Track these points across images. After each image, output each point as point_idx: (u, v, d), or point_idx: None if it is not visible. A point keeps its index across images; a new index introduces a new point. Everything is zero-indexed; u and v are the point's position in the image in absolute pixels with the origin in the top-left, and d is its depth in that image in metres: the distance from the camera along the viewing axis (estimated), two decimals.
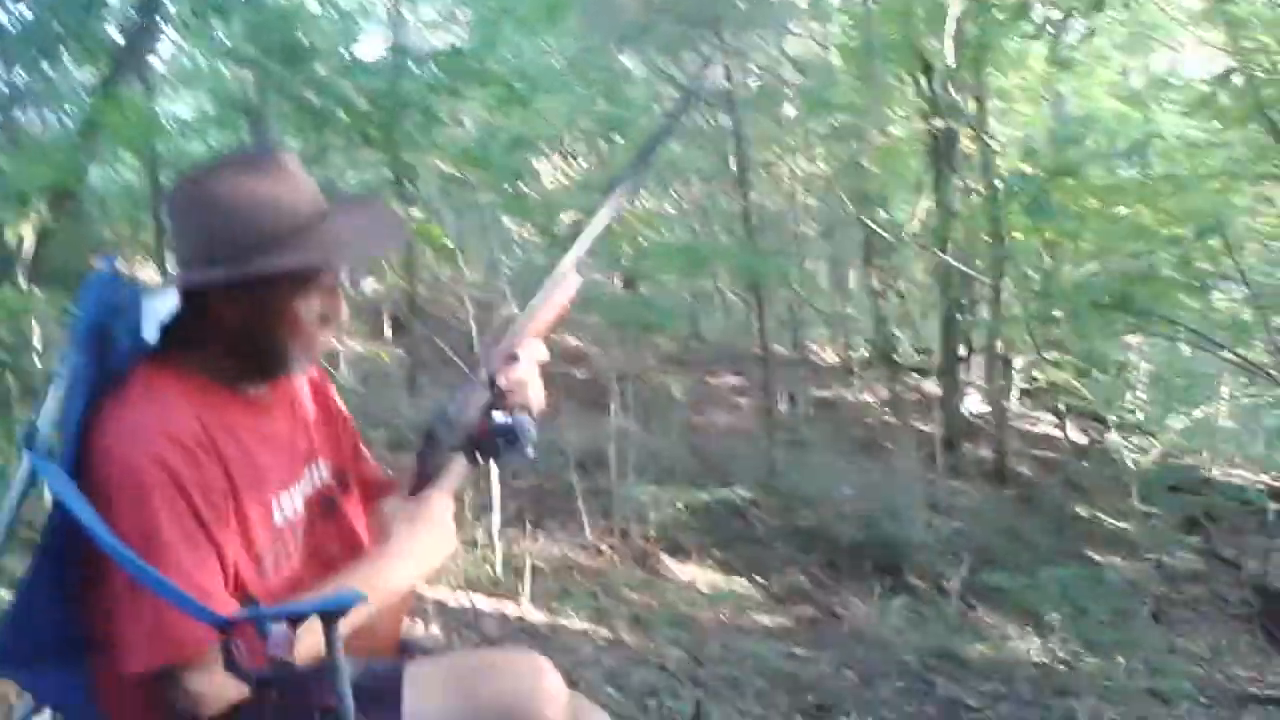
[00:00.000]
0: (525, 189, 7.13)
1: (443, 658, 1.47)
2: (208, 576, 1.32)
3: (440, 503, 1.50)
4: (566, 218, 6.70)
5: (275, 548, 1.47)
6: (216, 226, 1.38)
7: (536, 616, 4.36)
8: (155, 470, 1.31)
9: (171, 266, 8.34)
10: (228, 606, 1.29)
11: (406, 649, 1.64)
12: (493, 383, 1.56)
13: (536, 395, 1.60)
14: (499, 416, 1.55)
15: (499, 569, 4.80)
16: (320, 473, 1.60)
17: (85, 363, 1.39)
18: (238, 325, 1.43)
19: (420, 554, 1.48)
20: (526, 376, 1.58)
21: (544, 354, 1.62)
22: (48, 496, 1.40)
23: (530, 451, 1.56)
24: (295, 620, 1.19)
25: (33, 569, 1.42)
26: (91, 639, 1.43)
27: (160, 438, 1.33)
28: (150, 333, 1.48)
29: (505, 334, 1.59)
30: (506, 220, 10.58)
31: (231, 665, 1.18)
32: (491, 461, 1.58)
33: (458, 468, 1.54)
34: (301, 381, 1.63)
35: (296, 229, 1.39)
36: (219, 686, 1.24)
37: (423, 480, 1.53)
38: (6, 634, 1.42)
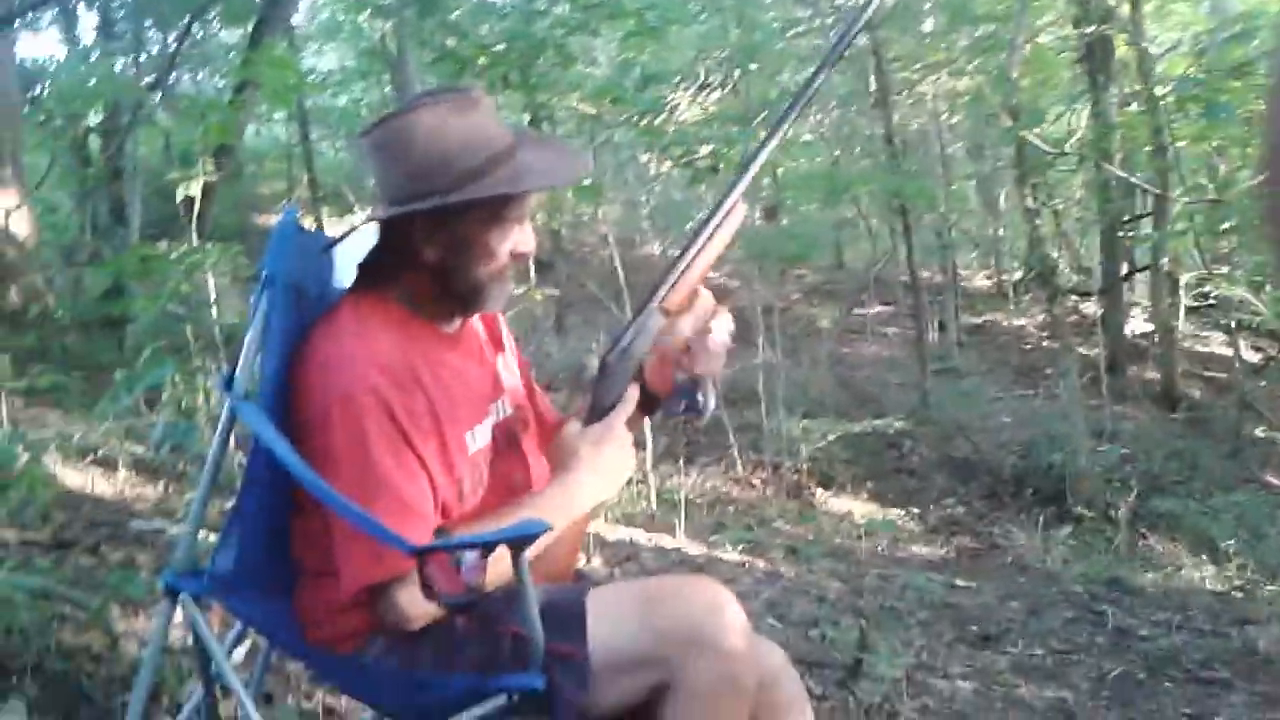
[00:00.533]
0: (661, 123, 7.06)
1: (624, 584, 1.49)
2: (418, 496, 1.40)
3: (620, 426, 1.53)
4: (705, 149, 6.62)
5: (472, 475, 1.53)
6: (414, 162, 1.43)
7: (693, 550, 4.39)
8: (368, 398, 1.38)
9: (330, 218, 8.61)
10: (431, 526, 1.36)
11: (581, 578, 1.67)
12: (666, 313, 1.55)
13: (721, 364, 1.62)
14: (681, 377, 1.59)
15: (654, 504, 4.84)
16: (504, 407, 1.65)
17: (277, 309, 1.46)
18: (436, 259, 1.48)
19: (605, 473, 1.52)
20: (717, 347, 1.59)
21: (732, 325, 1.63)
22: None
23: (708, 413, 1.61)
24: (486, 548, 1.22)
25: (239, 502, 1.50)
26: (298, 566, 1.50)
27: (371, 367, 1.40)
28: (346, 275, 1.57)
29: (676, 266, 1.58)
30: (643, 157, 10.56)
31: (427, 589, 1.22)
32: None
33: (632, 395, 1.56)
34: (482, 322, 1.69)
35: (490, 161, 1.43)
36: (425, 604, 1.30)
37: (597, 409, 1.55)
38: (217, 563, 1.50)
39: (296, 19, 9.79)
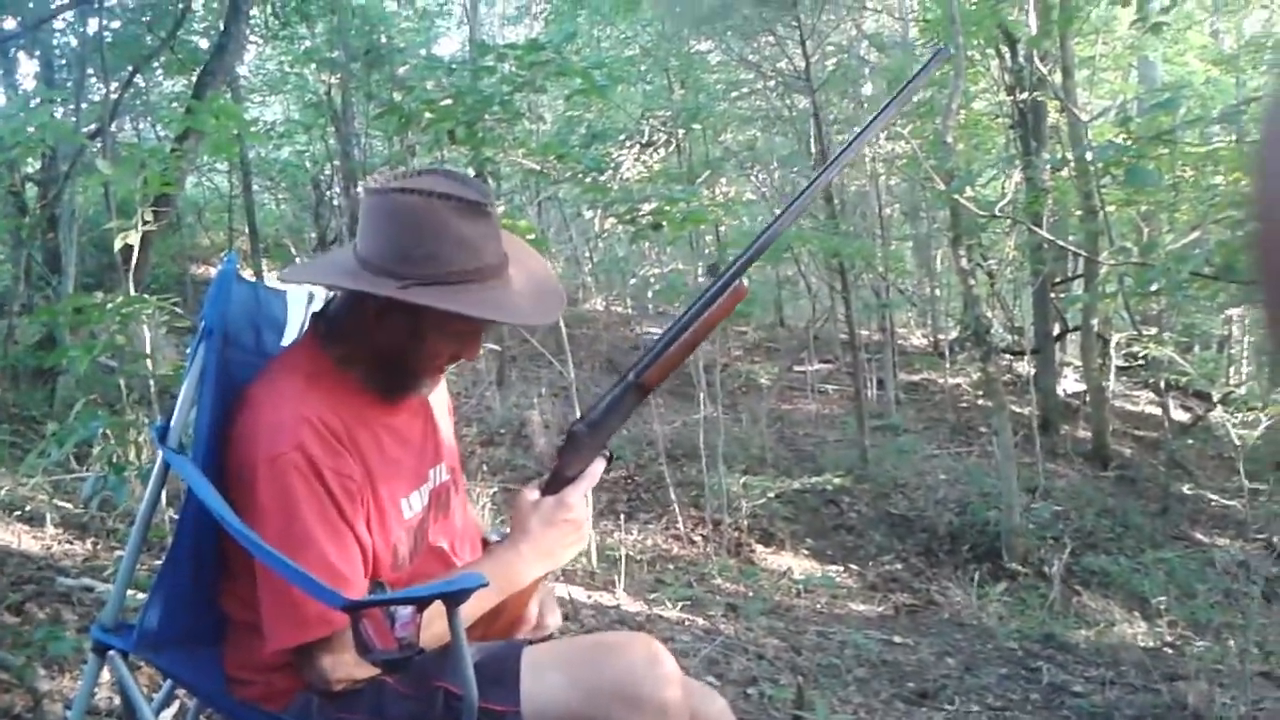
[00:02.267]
0: (605, 180, 7.13)
1: (559, 641, 1.48)
2: (344, 559, 1.38)
3: (578, 503, 1.52)
4: (647, 207, 6.69)
5: (408, 541, 1.52)
6: (404, 244, 1.42)
7: (633, 607, 4.37)
8: (296, 454, 1.37)
9: (270, 270, 8.52)
10: (361, 589, 1.35)
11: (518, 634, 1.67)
12: (642, 389, 1.54)
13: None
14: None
15: (594, 560, 4.82)
16: (440, 472, 1.65)
17: (213, 361, 1.45)
18: (385, 337, 1.48)
19: (551, 552, 1.51)
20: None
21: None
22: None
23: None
24: (422, 603, 1.22)
25: (169, 557, 1.48)
26: (228, 622, 1.49)
27: (302, 426, 1.39)
28: (294, 326, 1.58)
29: (659, 341, 1.55)
30: (587, 213, 10.64)
31: (360, 646, 1.21)
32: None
33: (596, 470, 1.54)
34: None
35: (475, 274, 1.43)
36: (350, 666, 1.31)
37: (557, 479, 1.54)
38: (146, 619, 1.48)
39: (241, 70, 9.77)
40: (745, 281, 1.52)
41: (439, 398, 1.71)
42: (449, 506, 1.65)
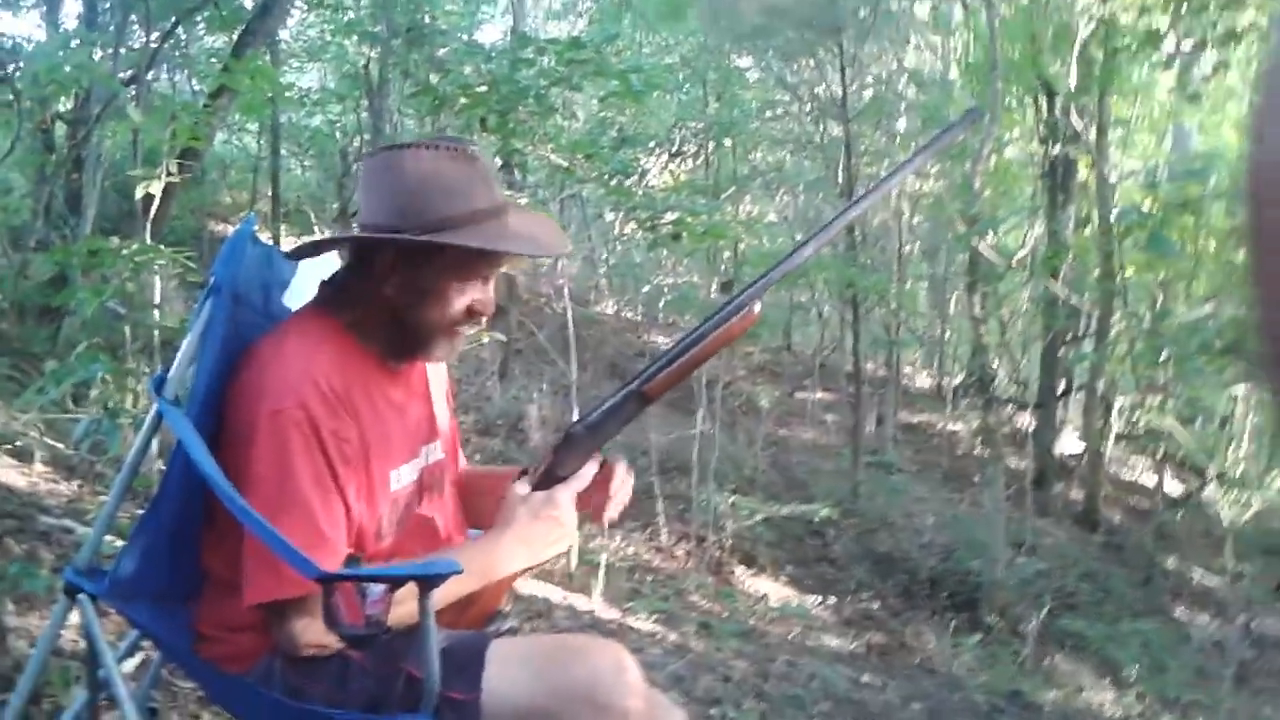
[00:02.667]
0: (630, 185, 7.14)
1: (527, 638, 1.48)
2: (330, 521, 1.39)
3: (567, 502, 1.52)
4: (669, 216, 6.69)
5: (391, 513, 1.53)
6: (404, 195, 1.45)
7: (607, 614, 4.37)
8: (298, 413, 1.38)
9: (288, 235, 8.54)
10: (342, 555, 1.36)
11: (490, 626, 1.67)
12: (644, 398, 1.54)
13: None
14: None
15: (573, 563, 4.82)
16: (435, 451, 1.65)
17: (219, 318, 1.46)
18: (394, 295, 1.49)
19: (533, 544, 1.51)
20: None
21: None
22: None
23: None
24: (394, 582, 1.22)
25: (151, 508, 1.48)
26: (205, 577, 1.49)
27: (305, 385, 1.40)
28: (306, 290, 1.58)
29: (667, 353, 1.56)
30: (608, 216, 10.65)
31: (330, 618, 1.22)
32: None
33: (588, 473, 1.55)
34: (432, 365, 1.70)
35: (472, 215, 1.45)
36: (321, 632, 1.30)
37: (550, 477, 1.54)
38: (121, 567, 1.48)
39: (282, 33, 9.79)
40: (757, 306, 1.53)
41: (438, 380, 1.72)
42: (442, 486, 1.65)
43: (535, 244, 1.55)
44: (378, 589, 1.22)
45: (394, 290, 1.49)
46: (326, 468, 1.40)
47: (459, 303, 1.51)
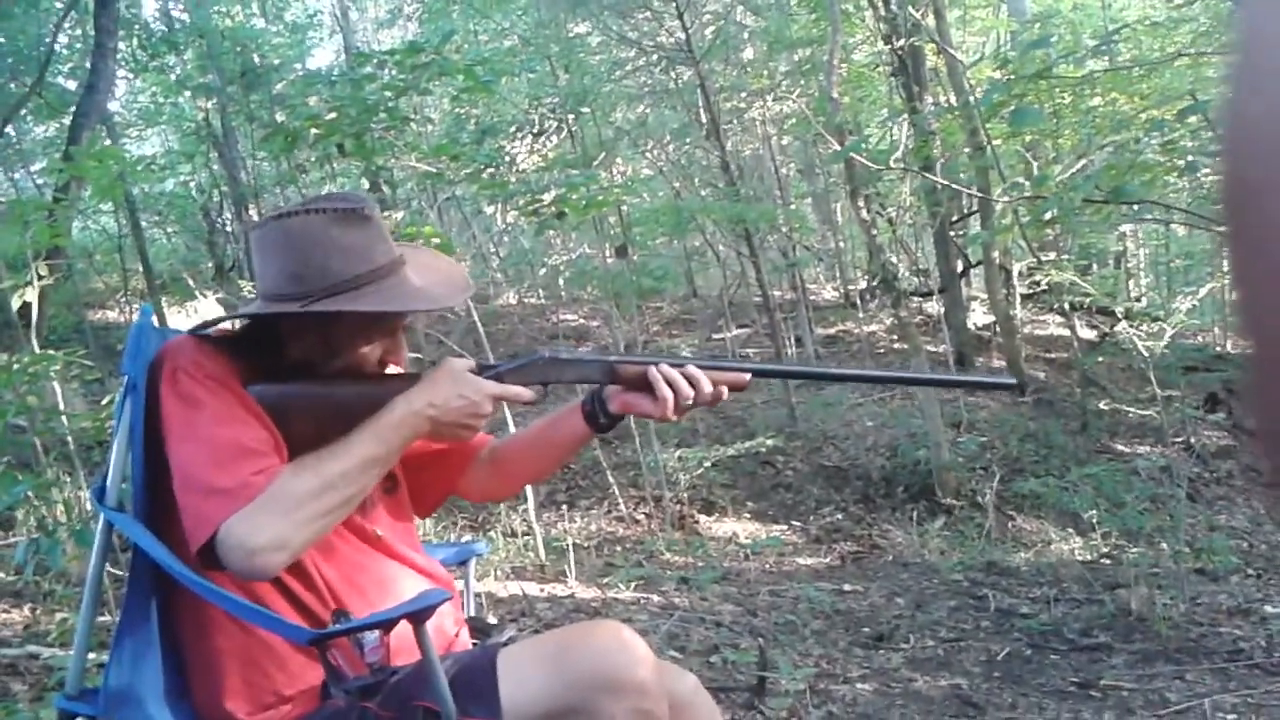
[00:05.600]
0: (502, 174, 7.10)
1: (531, 640, 1.49)
2: (256, 439, 1.39)
3: (488, 393, 1.53)
4: (548, 196, 6.68)
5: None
6: (291, 265, 1.45)
7: (587, 594, 4.40)
8: (191, 367, 1.42)
9: (170, 306, 8.32)
10: (275, 466, 1.37)
11: (486, 637, 1.68)
12: (612, 373, 1.59)
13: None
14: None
15: (542, 554, 4.83)
16: None
17: (139, 413, 1.44)
18: (301, 357, 1.51)
19: (444, 410, 1.50)
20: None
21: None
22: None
23: None
24: (386, 625, 1.22)
25: (125, 614, 1.47)
26: (196, 667, 1.47)
27: (195, 348, 1.46)
28: None
29: (660, 358, 1.61)
30: (488, 209, 10.58)
31: (332, 675, 1.22)
32: None
33: (522, 394, 1.58)
34: None
35: (369, 275, 1.47)
36: (266, 526, 1.31)
37: (494, 375, 1.58)
38: (110, 680, 1.47)
39: (113, 105, 9.50)
40: (748, 376, 1.62)
41: None
42: (374, 500, 1.64)
43: (435, 296, 1.56)
44: (373, 636, 1.22)
45: (302, 353, 1.51)
46: (235, 400, 1.41)
47: (371, 358, 1.55)
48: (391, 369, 1.61)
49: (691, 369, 1.57)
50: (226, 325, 1.58)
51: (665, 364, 1.58)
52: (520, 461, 1.79)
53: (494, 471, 1.79)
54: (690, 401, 1.57)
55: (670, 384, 1.56)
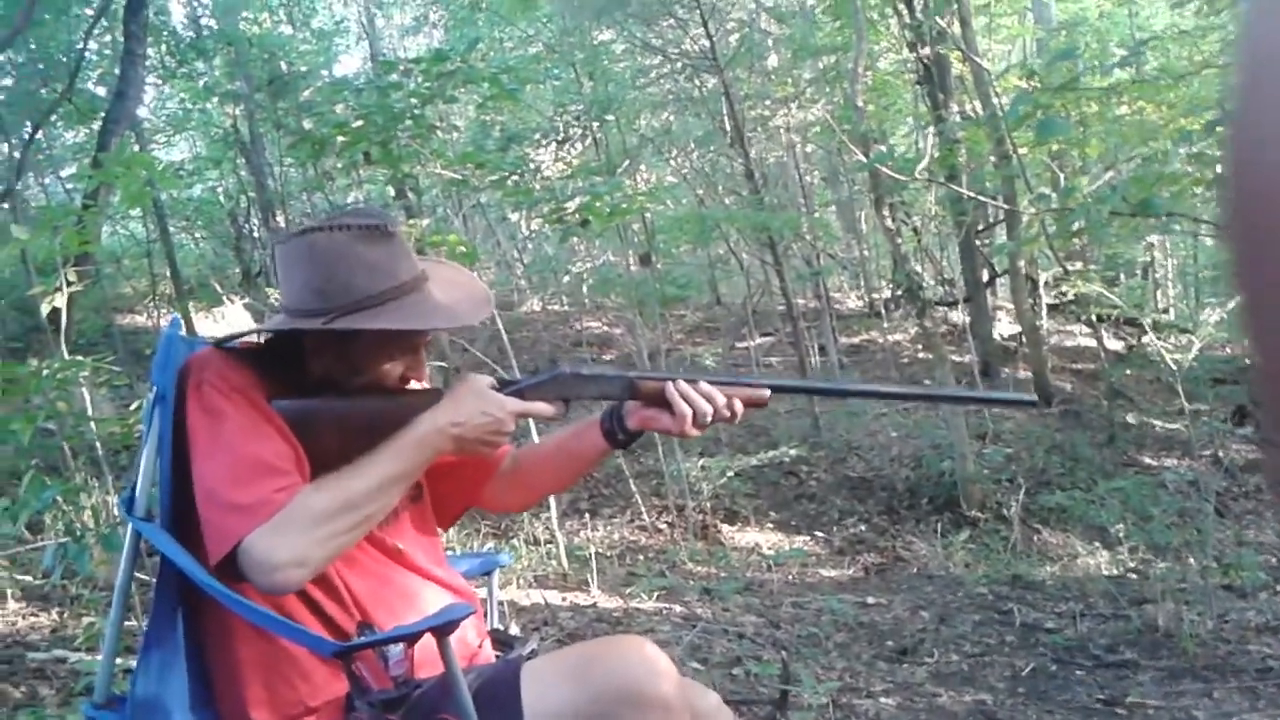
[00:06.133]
0: (527, 182, 7.12)
1: (555, 653, 1.49)
2: (277, 454, 1.40)
3: (511, 414, 1.54)
4: (573, 204, 6.69)
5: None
6: (315, 281, 1.47)
7: (609, 604, 4.39)
8: (218, 380, 1.43)
9: (197, 312, 8.39)
10: (296, 483, 1.38)
11: (509, 649, 1.68)
12: (632, 389, 1.60)
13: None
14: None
15: (565, 562, 4.83)
16: None
17: (168, 424, 1.45)
18: (322, 373, 1.53)
19: (466, 426, 1.50)
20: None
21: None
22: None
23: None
24: (411, 639, 1.23)
25: (152, 623, 1.48)
26: (219, 677, 1.48)
27: (224, 362, 1.48)
28: None
29: (679, 373, 1.62)
30: (512, 216, 10.61)
31: (357, 689, 1.22)
32: None
33: (544, 410, 1.58)
34: None
35: (392, 292, 1.48)
36: (287, 542, 1.32)
37: (515, 391, 1.59)
38: (137, 688, 1.48)
39: (142, 112, 9.59)
40: (767, 393, 1.62)
41: None
42: (398, 512, 1.64)
43: (457, 313, 1.57)
44: (398, 649, 1.23)
45: (324, 368, 1.52)
46: (259, 414, 1.42)
47: (393, 374, 1.55)
48: (413, 384, 1.61)
49: (706, 386, 1.58)
50: (252, 339, 1.60)
51: (683, 380, 1.58)
52: (540, 474, 1.79)
53: (514, 483, 1.80)
54: (709, 419, 1.57)
55: (688, 400, 1.56)
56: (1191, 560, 4.88)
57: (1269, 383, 0.40)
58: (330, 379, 1.52)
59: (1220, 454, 6.89)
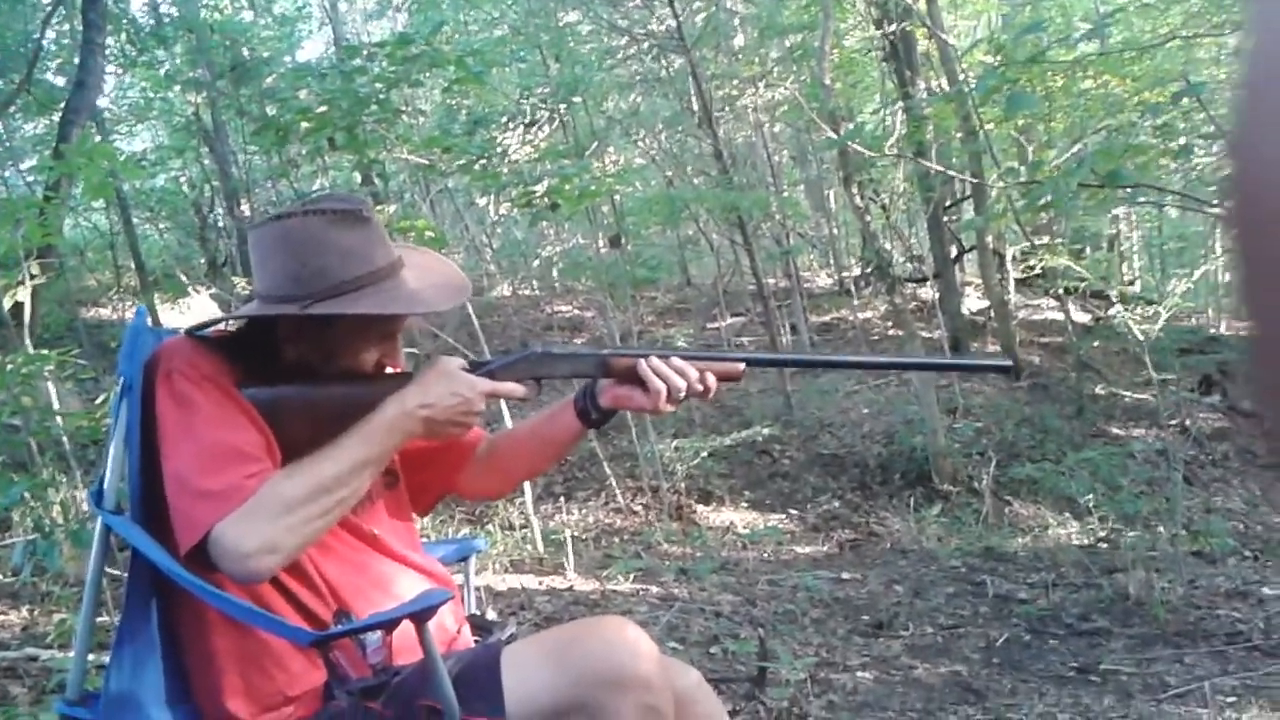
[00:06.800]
0: (494, 165, 7.08)
1: (534, 637, 1.49)
2: (248, 442, 1.39)
3: (481, 393, 1.53)
4: (541, 187, 6.66)
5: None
6: (293, 266, 1.45)
7: (586, 586, 4.40)
8: (187, 369, 1.42)
9: (163, 303, 8.30)
10: (267, 469, 1.37)
11: (487, 634, 1.68)
12: (604, 366, 1.60)
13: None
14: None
15: (540, 546, 4.84)
16: None
17: (136, 415, 1.44)
18: (296, 358, 1.52)
19: (435, 407, 1.49)
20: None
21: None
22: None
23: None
24: (389, 626, 1.22)
25: (125, 618, 1.47)
26: (198, 669, 1.47)
27: (194, 350, 1.46)
28: None
29: (651, 348, 1.63)
30: (481, 200, 10.55)
31: (335, 677, 1.22)
32: None
33: (515, 390, 1.58)
34: None
35: (368, 277, 1.47)
36: (255, 531, 1.31)
37: (486, 371, 1.58)
38: (111, 684, 1.47)
39: (103, 102, 9.45)
40: (742, 366, 1.61)
41: None
42: (373, 498, 1.63)
43: (433, 299, 1.56)
44: (376, 636, 1.22)
45: (298, 355, 1.52)
46: (229, 401, 1.41)
47: (367, 360, 1.54)
48: (388, 370, 1.60)
49: (679, 361, 1.58)
50: (222, 326, 1.58)
51: (656, 356, 1.58)
52: (515, 459, 1.79)
53: (490, 469, 1.79)
54: (682, 394, 1.57)
55: (661, 376, 1.56)
56: (1161, 528, 4.95)
57: (1261, 353, 0.40)
58: (305, 366, 1.51)
59: (1188, 423, 6.97)
